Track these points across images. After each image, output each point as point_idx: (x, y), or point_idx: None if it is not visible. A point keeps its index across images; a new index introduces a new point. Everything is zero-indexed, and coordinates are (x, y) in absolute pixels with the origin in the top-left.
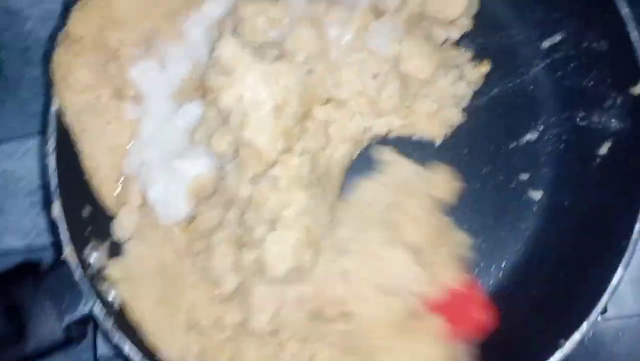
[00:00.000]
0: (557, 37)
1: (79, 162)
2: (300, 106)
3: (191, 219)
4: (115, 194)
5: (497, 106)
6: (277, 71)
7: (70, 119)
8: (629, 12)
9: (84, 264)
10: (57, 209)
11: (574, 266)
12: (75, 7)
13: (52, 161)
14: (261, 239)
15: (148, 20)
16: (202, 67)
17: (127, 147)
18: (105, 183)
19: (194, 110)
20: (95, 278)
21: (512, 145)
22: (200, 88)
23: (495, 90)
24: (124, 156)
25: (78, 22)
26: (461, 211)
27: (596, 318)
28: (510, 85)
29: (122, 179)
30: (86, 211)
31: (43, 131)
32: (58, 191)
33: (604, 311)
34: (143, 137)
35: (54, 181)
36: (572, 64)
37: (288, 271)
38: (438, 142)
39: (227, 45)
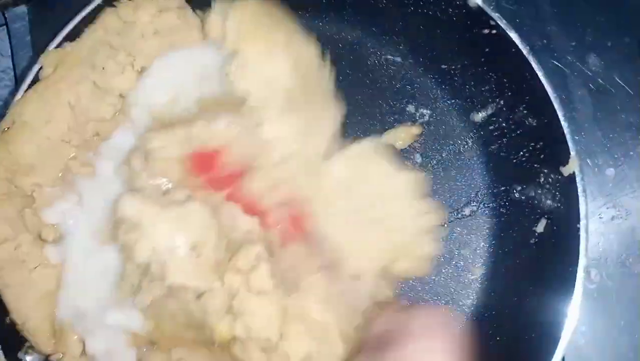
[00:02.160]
0: (488, 111)
1: None
2: (221, 239)
3: None
4: (51, 343)
5: (437, 179)
6: (187, 212)
7: None
8: (553, 91)
9: None
10: None
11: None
12: None
13: None
14: None
15: (57, 160)
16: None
17: (56, 295)
18: (38, 333)
19: (112, 256)
20: None
21: (452, 218)
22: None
23: (433, 162)
24: (53, 304)
25: None
26: None
27: None
28: (444, 156)
29: (56, 328)
30: None
31: None
32: None
33: None
34: (69, 281)
35: None
36: (504, 138)
37: None
38: None
39: (128, 203)
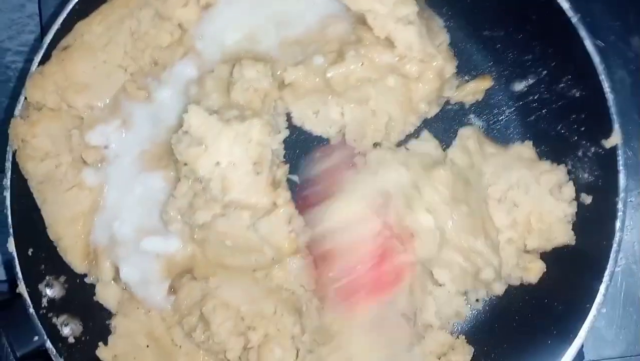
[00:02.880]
0: (529, 80)
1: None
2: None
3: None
4: (84, 265)
5: None
6: (249, 130)
7: (32, 189)
8: (600, 60)
9: (39, 299)
10: (12, 245)
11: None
12: (32, 74)
13: (7, 198)
14: None
15: (111, 84)
16: (168, 132)
17: (92, 217)
18: (70, 252)
19: (154, 183)
20: (51, 311)
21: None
22: (164, 158)
23: None
24: (87, 226)
25: (36, 89)
26: None
27: None
28: (481, 125)
29: (90, 251)
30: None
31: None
32: (12, 228)
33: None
34: (106, 205)
35: (9, 217)
36: (544, 110)
37: None
38: None
39: (195, 114)
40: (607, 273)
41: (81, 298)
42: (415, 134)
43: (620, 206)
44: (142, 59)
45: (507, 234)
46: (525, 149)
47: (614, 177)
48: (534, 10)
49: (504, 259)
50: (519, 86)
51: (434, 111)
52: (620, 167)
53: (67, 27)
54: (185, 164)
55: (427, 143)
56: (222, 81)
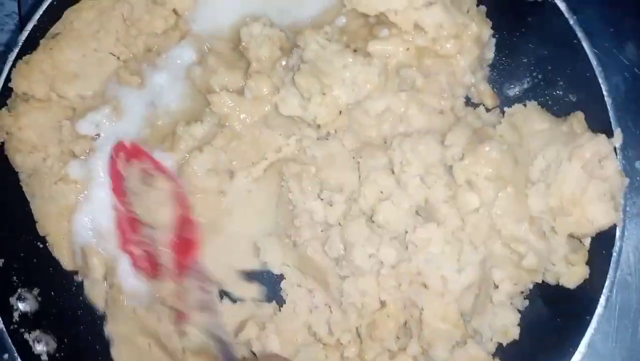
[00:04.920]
0: (524, 85)
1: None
2: None
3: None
4: (72, 261)
5: None
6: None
7: (22, 183)
8: (598, 63)
9: (10, 314)
10: None
11: None
12: (19, 64)
13: None
14: None
15: (102, 72)
16: (169, 116)
17: (78, 213)
18: (58, 248)
19: None
20: (23, 326)
21: None
22: (167, 139)
23: None
24: (71, 220)
25: (22, 79)
26: None
27: None
28: None
29: (75, 247)
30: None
31: None
32: None
33: None
34: (92, 199)
35: None
36: None
37: None
38: None
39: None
40: (607, 283)
41: (56, 312)
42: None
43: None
44: (135, 45)
45: (547, 220)
46: (576, 121)
47: None
48: (528, 12)
49: (552, 246)
50: (514, 91)
51: (480, 76)
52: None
53: (48, 18)
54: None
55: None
56: (223, 56)
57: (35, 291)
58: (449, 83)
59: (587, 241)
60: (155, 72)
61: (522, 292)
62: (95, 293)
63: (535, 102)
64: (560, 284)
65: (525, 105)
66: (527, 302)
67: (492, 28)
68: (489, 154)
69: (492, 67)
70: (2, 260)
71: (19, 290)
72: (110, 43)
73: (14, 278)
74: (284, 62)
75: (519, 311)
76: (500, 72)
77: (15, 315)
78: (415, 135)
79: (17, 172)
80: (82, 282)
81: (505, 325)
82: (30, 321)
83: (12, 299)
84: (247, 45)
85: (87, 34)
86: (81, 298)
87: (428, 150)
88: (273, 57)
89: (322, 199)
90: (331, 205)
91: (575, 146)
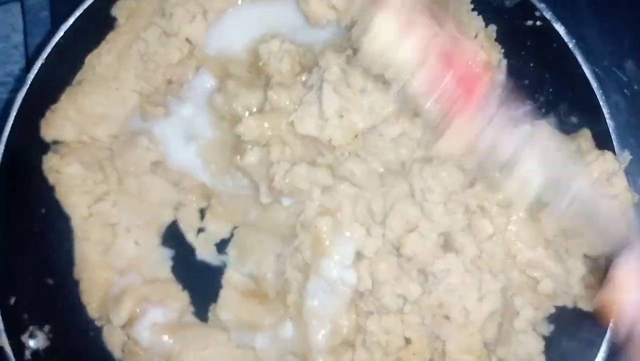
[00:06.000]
0: (526, 107)
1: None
2: None
3: None
4: (99, 310)
5: None
6: None
7: (75, 224)
8: (598, 85)
9: (22, 352)
10: None
11: None
12: (46, 114)
13: None
14: None
15: (127, 109)
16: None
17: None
18: (89, 294)
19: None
20: None
21: None
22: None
23: None
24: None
25: (49, 128)
26: None
27: None
28: None
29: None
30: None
31: None
32: None
33: None
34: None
35: None
36: None
37: None
38: None
39: None
40: None
41: (66, 348)
42: None
43: None
44: (155, 79)
45: (561, 242)
46: (582, 140)
47: None
48: (528, 35)
49: (569, 269)
50: (515, 114)
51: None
52: None
53: (51, 62)
54: None
55: None
56: (242, 78)
57: (46, 328)
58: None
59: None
60: (182, 104)
61: (546, 317)
62: (114, 340)
63: (545, 121)
64: (578, 307)
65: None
66: (552, 327)
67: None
68: (498, 179)
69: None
70: (14, 298)
71: (30, 328)
72: (130, 80)
73: (25, 315)
74: (304, 78)
75: (544, 337)
76: (502, 94)
77: (27, 353)
78: (435, 161)
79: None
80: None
81: (530, 353)
82: (41, 358)
83: (24, 338)
84: (266, 61)
85: (108, 77)
86: (96, 340)
87: (450, 176)
88: (294, 71)
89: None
90: (370, 235)
91: (584, 165)
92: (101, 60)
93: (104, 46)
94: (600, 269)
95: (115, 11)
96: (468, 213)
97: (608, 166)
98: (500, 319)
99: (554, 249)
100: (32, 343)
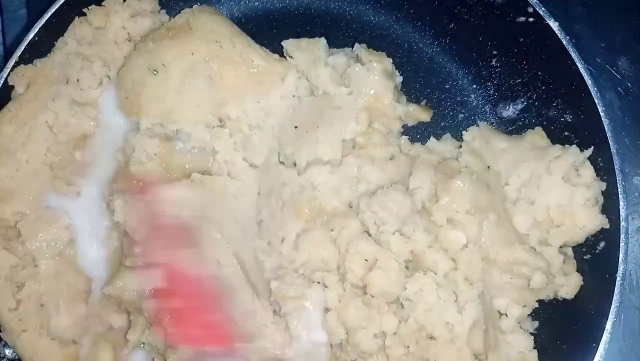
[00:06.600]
0: (518, 105)
1: None
2: None
3: None
4: None
5: None
6: None
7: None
8: (593, 83)
9: None
10: None
11: None
12: None
13: None
14: None
15: (39, 184)
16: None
17: None
18: None
19: None
20: None
21: None
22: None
23: None
24: None
25: None
26: None
27: None
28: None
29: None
30: None
31: None
32: None
33: None
34: None
35: None
36: None
37: None
38: None
39: None
40: (612, 308)
41: None
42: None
43: (622, 236)
44: (67, 151)
45: (535, 234)
46: (537, 137)
47: (614, 204)
48: (520, 32)
49: (549, 259)
50: (508, 112)
51: (403, 101)
52: (620, 195)
53: None
54: None
55: (446, 144)
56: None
57: None
58: (384, 125)
59: (570, 250)
60: (87, 186)
61: (530, 314)
62: None
63: (485, 123)
64: (560, 297)
65: (478, 125)
66: (537, 323)
67: (487, 50)
68: (462, 189)
69: (486, 88)
70: None
71: None
72: (41, 153)
73: None
74: None
75: (531, 333)
76: (495, 93)
77: None
78: (379, 192)
79: None
80: None
81: (522, 352)
82: None
83: None
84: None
85: (14, 148)
86: None
87: (397, 203)
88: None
89: (317, 283)
90: (327, 287)
91: (552, 159)
92: (1, 130)
93: (3, 115)
94: (570, 258)
95: (13, 79)
96: (432, 229)
97: (574, 158)
98: (484, 326)
99: (531, 244)
100: (7, 352)
